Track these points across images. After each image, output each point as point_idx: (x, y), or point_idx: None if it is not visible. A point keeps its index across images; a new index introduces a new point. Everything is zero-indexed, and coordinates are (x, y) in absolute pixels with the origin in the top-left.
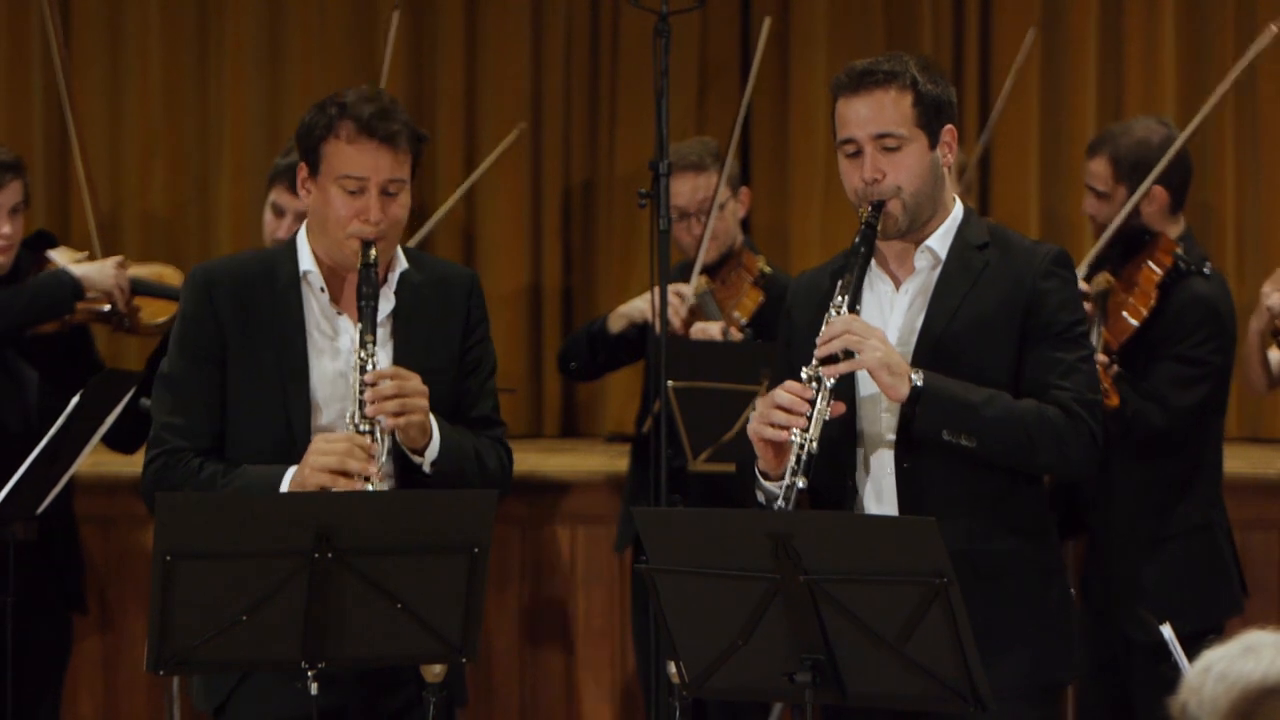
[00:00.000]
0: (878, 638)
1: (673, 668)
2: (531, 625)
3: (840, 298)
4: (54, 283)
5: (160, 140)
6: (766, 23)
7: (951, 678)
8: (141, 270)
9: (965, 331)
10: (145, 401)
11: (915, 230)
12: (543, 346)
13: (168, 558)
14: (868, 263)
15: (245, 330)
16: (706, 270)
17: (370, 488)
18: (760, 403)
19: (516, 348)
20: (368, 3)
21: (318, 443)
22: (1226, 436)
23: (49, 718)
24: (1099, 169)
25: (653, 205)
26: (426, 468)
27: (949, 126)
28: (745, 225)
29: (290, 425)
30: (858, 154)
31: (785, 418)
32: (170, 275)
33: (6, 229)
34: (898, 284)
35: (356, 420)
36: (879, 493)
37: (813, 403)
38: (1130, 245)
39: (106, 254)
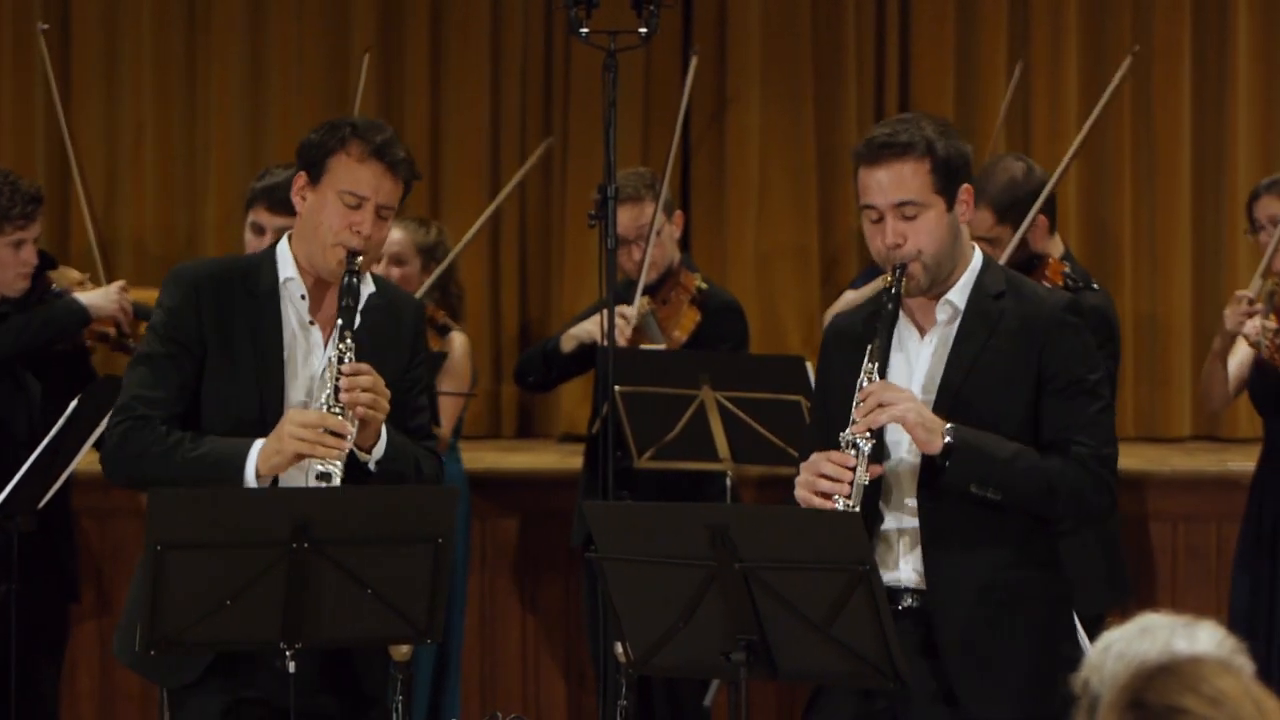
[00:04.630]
0: (806, 620)
1: (620, 647)
2: (491, 609)
3: (871, 364)
4: (65, 311)
5: (151, 167)
6: (693, 62)
7: (873, 656)
8: (141, 295)
9: (983, 381)
10: None
11: (937, 286)
12: (501, 354)
13: (158, 548)
14: (893, 326)
15: (224, 329)
16: (648, 290)
17: (336, 465)
18: (805, 468)
19: (478, 355)
20: (341, 45)
21: (293, 414)
22: (1124, 438)
23: (50, 696)
24: (981, 220)
25: (601, 226)
26: (372, 466)
27: (965, 185)
28: (685, 244)
29: (266, 427)
30: (880, 220)
31: (830, 486)
32: None
33: (31, 258)
34: (922, 334)
35: (330, 404)
36: (900, 527)
37: (854, 469)
38: (1022, 270)
39: (108, 275)
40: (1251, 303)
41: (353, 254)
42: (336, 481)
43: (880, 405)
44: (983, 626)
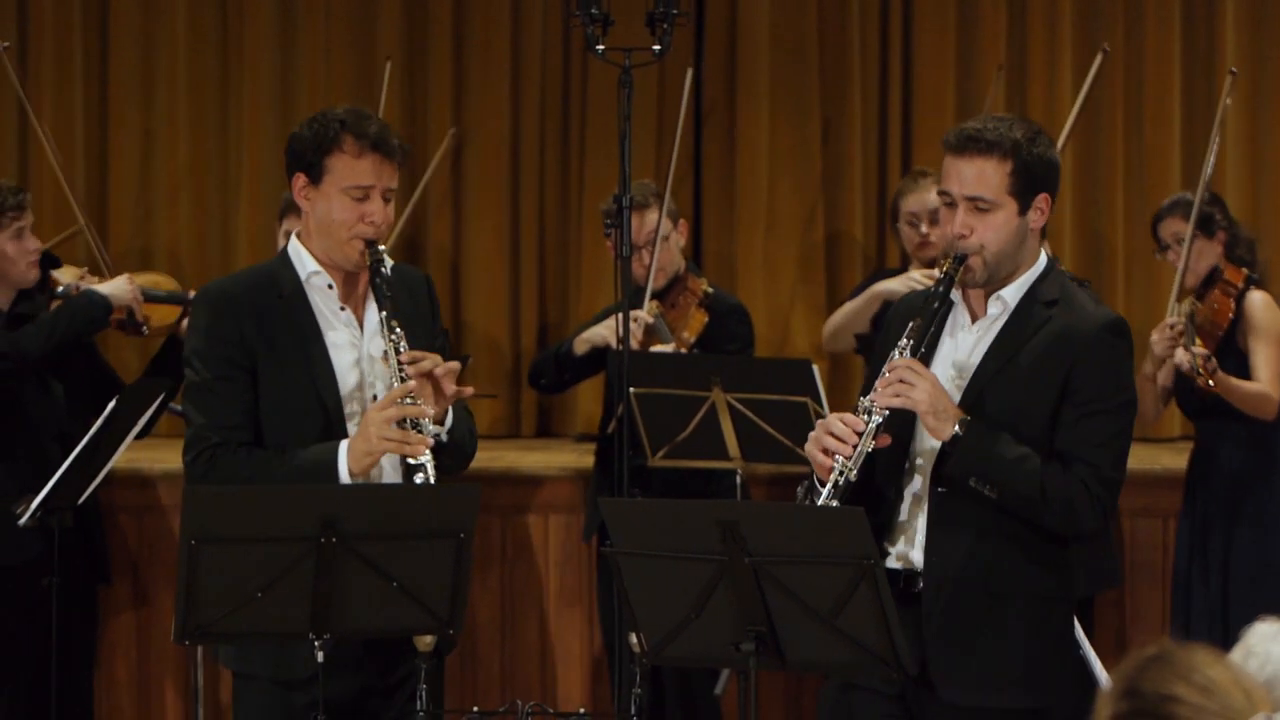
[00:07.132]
0: (813, 612)
1: (634, 638)
2: (510, 601)
3: (905, 340)
4: (88, 303)
5: (186, 179)
6: (689, 75)
7: (878, 648)
8: (142, 279)
9: (1012, 380)
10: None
11: (994, 283)
12: (521, 357)
13: (192, 542)
14: (939, 310)
15: (266, 337)
16: (656, 295)
17: (426, 456)
18: (819, 425)
19: (498, 359)
20: (366, 61)
21: (372, 415)
22: None
23: (86, 677)
24: None
25: (616, 233)
26: (444, 437)
27: (1044, 195)
28: (696, 253)
29: (328, 415)
30: (952, 205)
31: (834, 444)
32: (164, 281)
33: (35, 245)
34: (974, 321)
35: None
36: (917, 506)
37: (861, 434)
38: None
39: (111, 272)
40: (1173, 328)
41: (371, 243)
42: (431, 472)
43: (901, 382)
44: (969, 616)
